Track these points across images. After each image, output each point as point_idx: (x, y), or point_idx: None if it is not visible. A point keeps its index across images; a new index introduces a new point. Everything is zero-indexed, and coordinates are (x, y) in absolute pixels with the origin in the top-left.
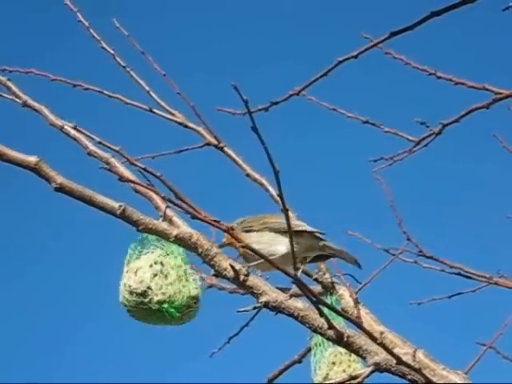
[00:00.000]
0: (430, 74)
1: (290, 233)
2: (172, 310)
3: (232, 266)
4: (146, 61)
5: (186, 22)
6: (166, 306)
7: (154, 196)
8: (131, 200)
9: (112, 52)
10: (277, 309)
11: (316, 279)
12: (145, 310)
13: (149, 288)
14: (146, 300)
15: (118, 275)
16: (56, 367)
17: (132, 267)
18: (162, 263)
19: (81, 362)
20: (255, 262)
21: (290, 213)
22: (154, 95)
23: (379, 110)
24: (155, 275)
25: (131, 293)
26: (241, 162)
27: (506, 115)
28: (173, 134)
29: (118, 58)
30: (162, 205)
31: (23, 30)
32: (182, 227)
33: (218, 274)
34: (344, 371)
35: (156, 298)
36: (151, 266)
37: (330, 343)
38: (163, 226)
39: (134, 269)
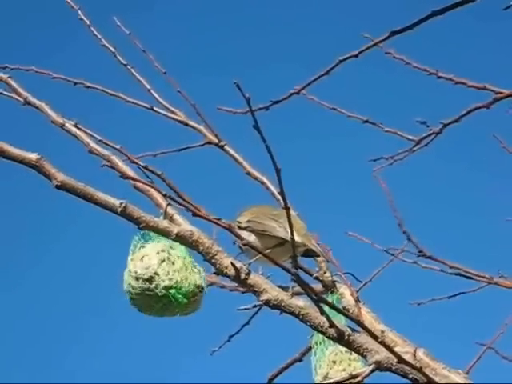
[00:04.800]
0: (431, 73)
1: (291, 232)
2: (179, 295)
3: (233, 264)
4: (146, 59)
5: (187, 20)
6: (173, 291)
7: (155, 194)
8: (132, 198)
9: (113, 50)
10: (277, 307)
11: (317, 278)
12: (150, 296)
13: (156, 274)
14: (153, 285)
15: (120, 272)
16: (56, 365)
17: (137, 255)
18: (168, 251)
19: (82, 360)
20: (255, 259)
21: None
22: (154, 93)
23: (379, 109)
24: (162, 261)
25: (137, 279)
26: (241, 160)
27: (506, 115)
28: (173, 133)
29: (118, 56)
30: (162, 202)
31: (24, 27)
32: (183, 225)
33: (219, 272)
34: (344, 370)
35: (163, 284)
36: (158, 253)
37: (331, 342)
38: (164, 223)
39: (140, 256)
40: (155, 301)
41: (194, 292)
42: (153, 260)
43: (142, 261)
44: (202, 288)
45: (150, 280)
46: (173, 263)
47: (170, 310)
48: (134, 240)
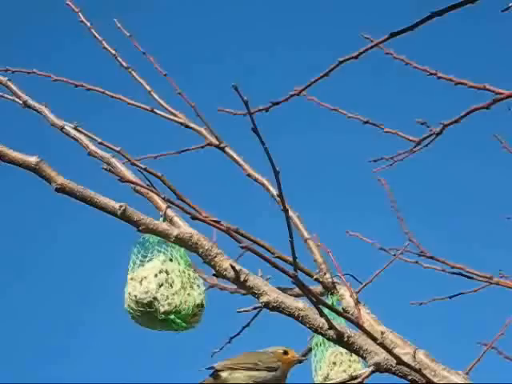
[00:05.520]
0: (431, 74)
1: (291, 235)
2: (179, 320)
3: (232, 267)
4: (147, 61)
5: (188, 22)
6: (172, 316)
7: (155, 196)
8: (132, 200)
9: (113, 52)
10: (277, 309)
11: (317, 279)
12: (151, 319)
13: (155, 299)
14: (152, 310)
15: (119, 275)
16: (55, 368)
17: (136, 276)
18: (166, 271)
19: (80, 361)
20: None
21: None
22: (155, 95)
23: (380, 110)
24: (161, 285)
25: (137, 303)
26: (242, 162)
27: (506, 115)
28: (174, 135)
29: (119, 59)
30: (162, 205)
31: (24, 30)
32: (183, 227)
33: (219, 275)
34: (344, 371)
35: (162, 309)
36: (156, 275)
37: (331, 343)
38: (164, 226)
39: (139, 278)
40: (155, 323)
41: (193, 313)
42: (151, 284)
43: (140, 284)
44: (202, 306)
45: (149, 305)
46: (171, 285)
47: (170, 329)
48: (132, 254)
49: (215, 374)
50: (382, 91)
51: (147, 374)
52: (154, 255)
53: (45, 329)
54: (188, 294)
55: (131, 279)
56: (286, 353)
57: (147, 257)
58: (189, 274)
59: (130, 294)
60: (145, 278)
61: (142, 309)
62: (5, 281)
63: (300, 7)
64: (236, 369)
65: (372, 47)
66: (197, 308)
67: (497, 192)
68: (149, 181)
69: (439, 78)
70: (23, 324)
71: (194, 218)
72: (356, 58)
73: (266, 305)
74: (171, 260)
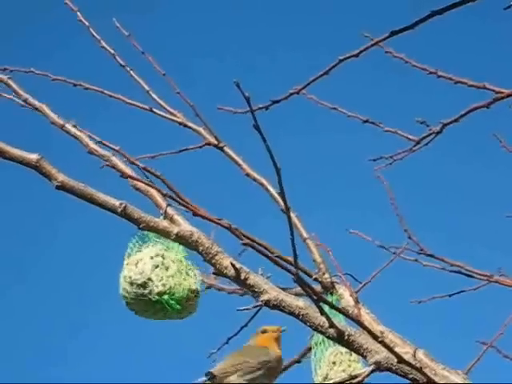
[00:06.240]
0: (430, 72)
1: (292, 233)
2: (172, 301)
3: (233, 265)
4: (146, 60)
5: (186, 21)
6: (166, 297)
7: (155, 194)
8: (132, 198)
9: (112, 52)
10: (278, 307)
11: (316, 279)
12: (144, 301)
13: (149, 279)
14: (146, 291)
15: (119, 273)
16: (56, 369)
17: (132, 260)
18: (163, 256)
19: (80, 361)
20: None
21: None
22: (153, 95)
23: (379, 109)
24: (156, 267)
25: (131, 284)
26: (241, 161)
27: (506, 115)
28: (173, 134)
29: (118, 58)
30: (162, 203)
31: (23, 29)
32: (183, 225)
33: (219, 273)
34: (344, 371)
35: (156, 290)
36: (152, 257)
37: (331, 342)
38: (164, 224)
39: (135, 261)
40: (149, 306)
41: (187, 297)
42: (147, 265)
43: (136, 266)
44: (197, 292)
45: (143, 285)
46: (167, 268)
47: (165, 314)
48: (130, 243)
49: (212, 378)
50: (382, 90)
51: (146, 375)
52: (152, 244)
53: (45, 329)
54: (183, 279)
55: (127, 264)
56: (264, 331)
57: (144, 245)
58: (185, 264)
59: (125, 276)
60: (140, 260)
61: (136, 290)
62: (5, 280)
63: (300, 7)
64: (229, 372)
65: (372, 46)
66: (192, 293)
67: (496, 191)
68: (148, 180)
69: (439, 76)
70: (23, 324)
71: (195, 214)
72: (356, 56)
73: (267, 303)
74: (168, 249)
